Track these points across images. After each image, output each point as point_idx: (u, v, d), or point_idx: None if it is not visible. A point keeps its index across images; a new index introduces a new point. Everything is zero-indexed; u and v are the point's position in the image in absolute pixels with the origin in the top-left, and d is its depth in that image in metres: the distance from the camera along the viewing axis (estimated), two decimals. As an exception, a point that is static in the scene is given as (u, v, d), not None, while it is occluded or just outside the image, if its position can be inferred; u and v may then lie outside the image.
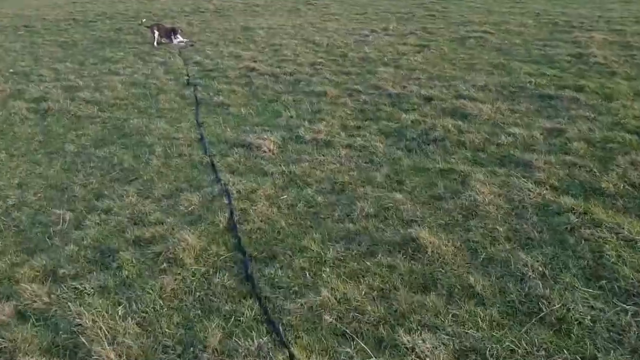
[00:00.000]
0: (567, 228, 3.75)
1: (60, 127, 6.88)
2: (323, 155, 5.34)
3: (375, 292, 3.28)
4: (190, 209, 4.43)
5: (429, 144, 5.41)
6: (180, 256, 3.69)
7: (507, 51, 9.04)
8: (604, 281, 3.22)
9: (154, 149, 5.83)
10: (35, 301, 3.37)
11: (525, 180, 4.45)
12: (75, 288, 3.45)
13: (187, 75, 9.10)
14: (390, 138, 5.68)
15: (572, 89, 6.61)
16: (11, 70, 10.59)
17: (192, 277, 3.52)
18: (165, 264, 3.64)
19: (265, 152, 5.50)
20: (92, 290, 3.44)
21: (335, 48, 10.41)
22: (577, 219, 3.82)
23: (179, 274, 3.55)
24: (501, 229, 3.80)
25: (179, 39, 12.12)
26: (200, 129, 6.36)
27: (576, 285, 3.20)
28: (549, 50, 8.78)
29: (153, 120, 6.85)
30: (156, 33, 12.15)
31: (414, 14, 14.01)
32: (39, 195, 4.96)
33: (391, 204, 4.24)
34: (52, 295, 3.42)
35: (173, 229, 4.09)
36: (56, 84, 9.15)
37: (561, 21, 11.30)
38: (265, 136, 5.82)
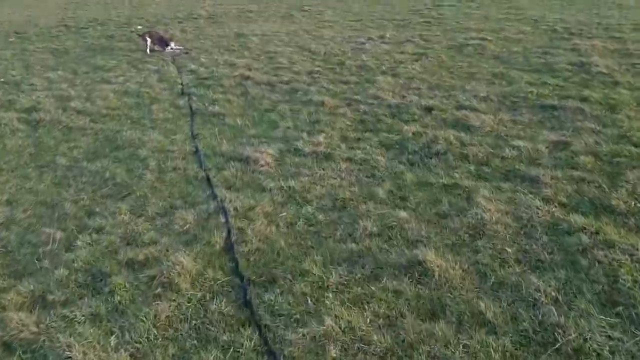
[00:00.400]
0: (579, 249, 3.60)
1: (52, 139, 6.69)
2: (323, 169, 5.18)
3: (381, 319, 3.12)
4: (185, 227, 4.26)
5: (431, 158, 5.26)
6: (176, 280, 3.51)
7: (506, 59, 8.92)
8: (620, 307, 3.07)
9: (148, 162, 5.66)
10: (22, 331, 3.19)
11: (532, 196, 4.30)
12: (65, 316, 3.28)
13: (182, 84, 8.93)
14: (391, 151, 5.53)
15: (575, 99, 6.48)
16: (2, 80, 10.40)
17: (188, 303, 3.35)
18: (159, 289, 3.47)
19: (262, 165, 5.33)
20: (82, 318, 3.26)
21: (332, 56, 10.26)
22: (589, 240, 3.67)
23: (174, 300, 3.38)
24: (510, 250, 3.65)
25: (172, 46, 11.96)
26: (195, 141, 6.19)
27: (592, 312, 3.05)
28: (549, 59, 8.66)
29: (147, 131, 6.68)
30: (148, 41, 11.99)
31: (410, 21, 13.88)
32: (29, 212, 4.78)
33: (395, 223, 4.09)
34: (41, 325, 3.24)
35: (167, 250, 3.92)
36: (48, 93, 8.96)
37: (560, 28, 11.20)
38: (263, 149, 5.67)
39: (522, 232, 3.86)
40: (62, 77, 10.12)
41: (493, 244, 3.74)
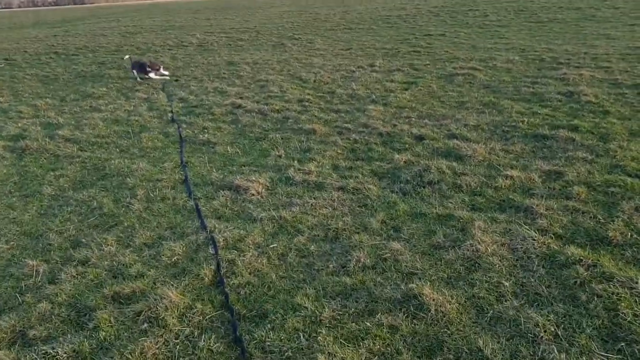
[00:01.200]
0: (576, 282, 3.52)
1: (38, 168, 6.58)
2: (314, 198, 5.10)
3: (377, 357, 3.00)
4: (173, 259, 4.14)
5: (424, 187, 5.20)
6: (162, 315, 3.38)
7: (496, 89, 8.95)
8: (622, 344, 2.98)
9: (136, 191, 5.55)
10: (0, 370, 3.05)
11: (527, 227, 4.23)
12: (46, 353, 3.12)
13: (172, 111, 8.88)
14: (383, 180, 5.46)
15: (566, 129, 6.46)
16: (-11, 106, 10.31)
17: (175, 339, 3.22)
18: (146, 325, 3.34)
19: (253, 195, 5.24)
20: (64, 355, 3.11)
21: (322, 84, 10.28)
22: (586, 272, 3.59)
23: (161, 336, 3.24)
24: (507, 284, 3.56)
25: (160, 72, 11.99)
26: (185, 169, 6.10)
27: (593, 348, 2.96)
28: (539, 88, 8.69)
29: (135, 160, 6.59)
30: (135, 70, 12.03)
31: (399, 50, 13.99)
32: (12, 243, 4.64)
33: (389, 254, 3.99)
34: (20, 363, 3.10)
35: (155, 284, 3.79)
36: (35, 120, 8.89)
37: (548, 57, 11.30)
38: (254, 178, 5.58)
39: (518, 265, 3.78)
40: (50, 105, 10.08)
41: (489, 276, 3.65)
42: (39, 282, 3.96)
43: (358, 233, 4.39)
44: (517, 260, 3.84)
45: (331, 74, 11.16)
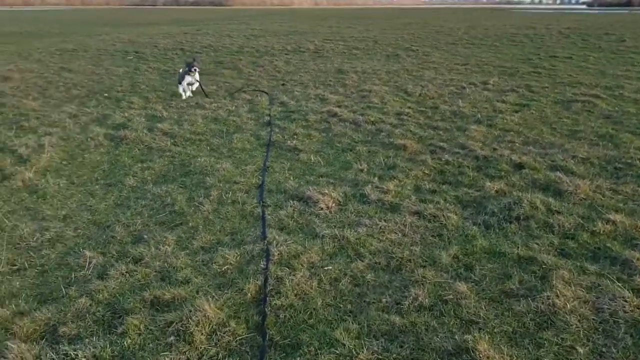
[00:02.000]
0: (670, 362, 2.92)
1: (129, 158, 6.75)
2: (385, 221, 4.73)
3: (407, 416, 2.62)
4: (223, 268, 3.97)
5: (511, 222, 4.66)
6: (192, 330, 3.18)
7: (617, 120, 8.06)
8: None
9: (210, 192, 5.48)
10: (16, 366, 2.98)
11: (620, 285, 3.61)
12: (66, 354, 3.01)
13: (269, 115, 8.86)
14: (467, 209, 4.99)
15: (692, 173, 5.62)
16: (105, 94, 10.88)
17: None
18: (172, 338, 3.16)
19: (322, 209, 4.98)
20: (83, 359, 3.00)
21: (427, 99, 9.84)
22: (685, 351, 2.98)
23: (185, 352, 3.04)
24: (582, 350, 3.01)
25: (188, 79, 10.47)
26: (264, 174, 5.96)
27: None
28: (669, 123, 7.72)
29: (221, 159, 6.57)
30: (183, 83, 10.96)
31: (518, 70, 13.18)
32: (79, 231, 4.71)
33: (451, 296, 3.55)
34: (38, 361, 3.01)
35: (197, 292, 3.63)
36: (142, 112, 9.21)
37: (686, 90, 10.09)
38: (326, 190, 5.31)
39: (600, 329, 3.21)
40: (160, 98, 10.42)
41: (562, 338, 3.12)
42: (88, 275, 3.93)
43: (424, 267, 3.98)
44: (599, 323, 3.26)
45: (439, 89, 10.68)
